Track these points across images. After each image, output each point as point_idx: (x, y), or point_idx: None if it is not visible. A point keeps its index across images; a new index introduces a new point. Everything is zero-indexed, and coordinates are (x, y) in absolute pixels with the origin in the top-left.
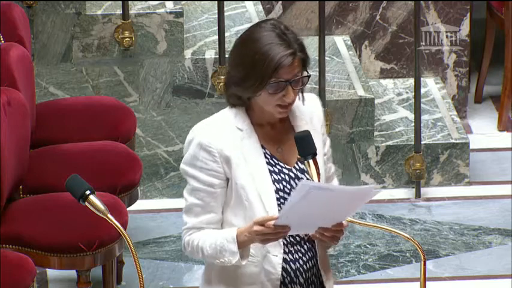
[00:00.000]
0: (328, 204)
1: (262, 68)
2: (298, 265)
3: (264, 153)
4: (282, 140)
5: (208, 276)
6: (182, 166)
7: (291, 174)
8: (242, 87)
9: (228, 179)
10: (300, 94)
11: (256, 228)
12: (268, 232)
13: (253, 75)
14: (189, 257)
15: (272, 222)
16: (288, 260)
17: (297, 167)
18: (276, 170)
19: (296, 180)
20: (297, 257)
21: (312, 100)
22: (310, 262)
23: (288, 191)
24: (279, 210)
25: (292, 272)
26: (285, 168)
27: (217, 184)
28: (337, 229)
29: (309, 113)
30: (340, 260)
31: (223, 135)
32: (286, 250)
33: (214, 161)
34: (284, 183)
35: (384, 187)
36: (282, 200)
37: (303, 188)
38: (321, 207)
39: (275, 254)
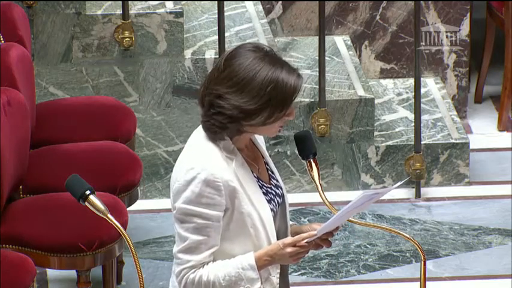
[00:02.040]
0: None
1: (281, 96)
2: (282, 280)
3: (254, 177)
4: (257, 160)
5: None
6: (183, 206)
7: (273, 191)
8: (257, 118)
9: (225, 210)
10: None
11: (290, 250)
12: (302, 251)
13: (274, 104)
14: None
15: (306, 241)
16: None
17: (273, 183)
18: (264, 191)
19: (277, 198)
20: (278, 271)
21: None
22: (287, 276)
23: (275, 209)
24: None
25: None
26: (268, 187)
27: (221, 217)
28: (335, 232)
29: None
30: (340, 260)
31: (222, 167)
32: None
33: (220, 195)
34: (273, 202)
35: (384, 187)
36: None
37: (364, 197)
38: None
39: (274, 275)
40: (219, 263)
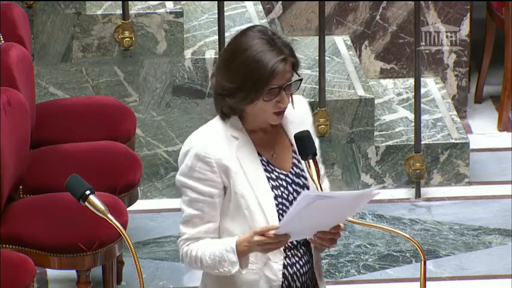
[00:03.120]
0: (329, 210)
1: (257, 77)
2: (295, 269)
3: (261, 160)
4: (276, 145)
5: (205, 283)
6: (179, 177)
7: (288, 179)
8: (237, 98)
9: (225, 188)
10: (290, 97)
11: (257, 238)
12: (269, 242)
13: (248, 84)
14: (187, 266)
15: (272, 232)
16: (286, 264)
17: (293, 172)
18: (274, 177)
19: (293, 185)
20: (294, 261)
21: (300, 102)
22: (306, 266)
23: (286, 196)
24: (279, 217)
25: (289, 277)
26: (282, 174)
27: (216, 194)
28: (335, 232)
29: (299, 115)
30: (340, 260)
31: (219, 144)
32: (285, 255)
33: (212, 171)
34: (282, 189)
35: (383, 187)
36: (281, 207)
37: (305, 199)
38: (322, 214)
39: (276, 261)
40: (210, 241)
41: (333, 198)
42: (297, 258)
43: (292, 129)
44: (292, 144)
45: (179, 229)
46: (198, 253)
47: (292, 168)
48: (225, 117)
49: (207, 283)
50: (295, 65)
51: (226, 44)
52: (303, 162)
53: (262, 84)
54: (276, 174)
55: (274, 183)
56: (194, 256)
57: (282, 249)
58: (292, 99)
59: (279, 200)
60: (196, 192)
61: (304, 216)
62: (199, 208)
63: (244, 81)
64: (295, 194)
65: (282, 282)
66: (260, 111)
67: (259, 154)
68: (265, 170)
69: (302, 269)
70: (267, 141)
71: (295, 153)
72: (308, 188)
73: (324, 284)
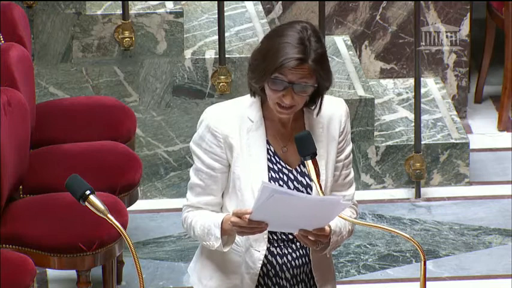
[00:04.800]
0: (297, 209)
1: (267, 62)
2: (286, 260)
3: (268, 149)
4: (290, 140)
5: (200, 251)
6: (191, 144)
7: (291, 175)
8: (252, 75)
9: (229, 166)
10: (319, 103)
11: (233, 219)
12: (243, 225)
13: (260, 66)
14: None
15: (247, 216)
16: (275, 253)
17: (299, 170)
18: (276, 169)
19: (295, 183)
20: (286, 252)
21: (337, 104)
22: (300, 260)
23: None
24: None
25: (277, 266)
26: (286, 168)
27: (218, 168)
28: (319, 233)
29: (328, 117)
30: (340, 260)
31: (232, 122)
32: (276, 244)
33: (218, 146)
34: (281, 182)
35: (384, 187)
36: None
37: (265, 190)
38: (291, 211)
39: (257, 250)
40: (206, 213)
41: (294, 196)
42: (290, 250)
43: (316, 129)
44: None
45: (185, 197)
46: (192, 222)
47: (299, 166)
48: (252, 95)
49: (203, 251)
50: (318, 75)
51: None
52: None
53: (268, 70)
54: (279, 167)
55: (274, 175)
56: (189, 223)
57: (265, 239)
58: (319, 106)
59: None
60: (202, 163)
61: (272, 208)
62: (202, 179)
63: (260, 62)
64: (295, 191)
65: (269, 270)
66: (269, 98)
67: (268, 143)
68: (269, 160)
69: (295, 261)
70: (282, 133)
71: None
72: (311, 189)
73: (330, 283)
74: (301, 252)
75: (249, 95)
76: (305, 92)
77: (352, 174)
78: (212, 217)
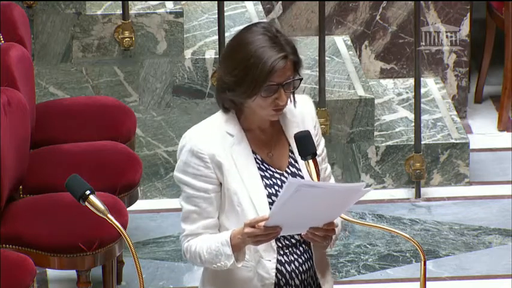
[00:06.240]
0: (318, 203)
1: (256, 72)
2: (294, 267)
3: (255, 158)
4: (273, 145)
5: (203, 279)
6: (175, 173)
7: (283, 178)
8: (236, 92)
9: (221, 184)
10: (292, 97)
11: (247, 230)
12: (259, 233)
13: (247, 79)
14: (190, 263)
15: (262, 223)
16: (283, 262)
17: (289, 171)
18: (268, 175)
19: None
20: (292, 258)
21: (304, 102)
22: (306, 264)
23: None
24: None
25: (287, 274)
26: (277, 172)
27: (211, 189)
28: (328, 228)
29: (300, 115)
30: (340, 260)
31: (213, 141)
32: (282, 252)
33: (206, 167)
34: (276, 187)
35: (384, 187)
36: None
37: (291, 186)
38: (311, 206)
39: (268, 259)
40: (208, 236)
41: (319, 188)
42: (295, 256)
43: (291, 129)
44: (289, 144)
45: (180, 226)
46: (197, 248)
47: (288, 168)
48: (226, 111)
49: (205, 279)
50: (297, 64)
51: (231, 38)
52: (299, 161)
53: (260, 80)
54: (271, 172)
55: (268, 182)
56: (194, 251)
57: (274, 247)
58: (294, 98)
59: (273, 198)
60: (192, 188)
61: (293, 206)
62: (196, 204)
63: (244, 76)
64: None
65: (279, 279)
66: (258, 107)
67: (254, 152)
68: (259, 169)
69: (302, 266)
70: (263, 140)
71: (292, 152)
72: None
73: (329, 282)
74: (306, 256)
75: (220, 112)
76: (294, 86)
77: (329, 167)
78: (217, 238)
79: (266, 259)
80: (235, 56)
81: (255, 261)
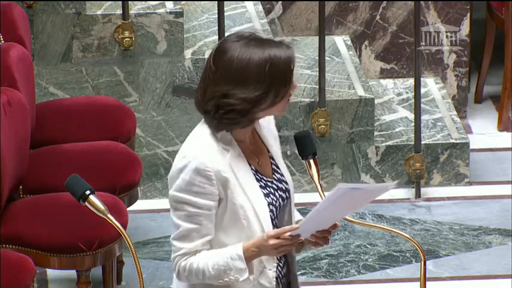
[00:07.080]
0: (344, 205)
1: (280, 72)
2: (278, 272)
3: (251, 170)
4: (259, 153)
5: None
6: (174, 193)
7: (274, 185)
8: (267, 101)
9: (220, 200)
10: None
11: (273, 242)
12: (285, 244)
13: (276, 81)
14: (184, 281)
15: (288, 234)
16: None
17: (276, 177)
18: (263, 185)
19: (278, 191)
20: (275, 265)
21: None
22: (285, 268)
23: (275, 203)
24: (272, 223)
25: (284, 279)
26: (268, 181)
27: (214, 206)
28: (332, 230)
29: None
30: (340, 260)
31: (216, 157)
32: (278, 259)
33: (211, 184)
34: (272, 196)
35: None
36: (272, 213)
37: (339, 191)
38: (337, 209)
39: (270, 268)
40: (210, 252)
41: (358, 189)
42: (277, 261)
43: (265, 134)
44: (268, 151)
45: (172, 245)
46: (199, 265)
47: (274, 174)
48: (215, 130)
49: None
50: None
51: (214, 67)
52: (281, 166)
53: (288, 76)
54: (264, 182)
55: (264, 191)
56: (195, 269)
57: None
58: None
59: (271, 207)
60: (195, 207)
61: (325, 212)
62: (198, 222)
63: (271, 82)
64: (280, 199)
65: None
66: (279, 106)
67: (248, 163)
68: (256, 179)
69: (283, 270)
70: (252, 150)
71: (273, 159)
72: (289, 192)
73: (296, 281)
74: (283, 260)
75: (206, 129)
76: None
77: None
78: (223, 253)
79: (268, 269)
80: (249, 73)
81: (258, 272)
